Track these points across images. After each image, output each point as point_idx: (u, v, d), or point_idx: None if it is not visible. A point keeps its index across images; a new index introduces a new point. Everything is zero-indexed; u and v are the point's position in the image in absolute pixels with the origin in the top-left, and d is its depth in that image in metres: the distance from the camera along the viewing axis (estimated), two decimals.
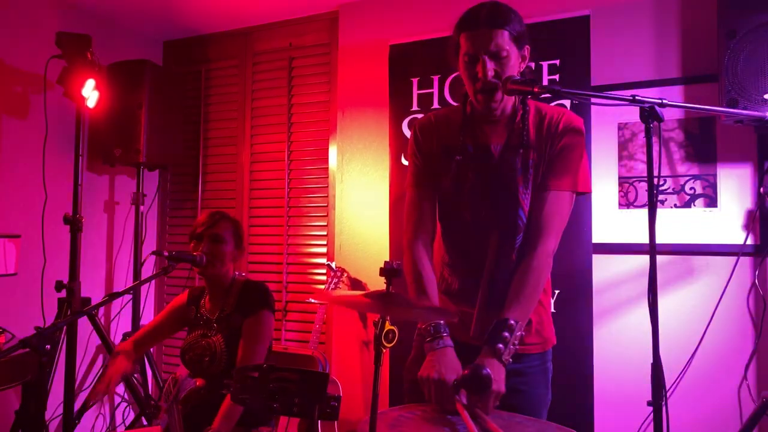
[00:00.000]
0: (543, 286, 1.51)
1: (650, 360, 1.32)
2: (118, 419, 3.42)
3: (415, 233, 1.61)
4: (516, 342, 1.39)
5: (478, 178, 1.54)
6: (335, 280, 2.91)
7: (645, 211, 2.47)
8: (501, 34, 1.42)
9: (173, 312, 2.22)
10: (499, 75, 1.43)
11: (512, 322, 1.39)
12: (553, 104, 2.48)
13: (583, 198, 2.12)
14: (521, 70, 1.50)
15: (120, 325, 3.42)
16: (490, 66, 1.43)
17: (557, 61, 2.53)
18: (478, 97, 1.48)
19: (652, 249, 1.34)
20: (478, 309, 1.54)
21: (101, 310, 3.36)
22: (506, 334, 1.38)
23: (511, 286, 1.48)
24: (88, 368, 3.29)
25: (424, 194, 1.63)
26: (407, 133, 2.88)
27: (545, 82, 2.53)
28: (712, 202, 2.39)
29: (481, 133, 1.56)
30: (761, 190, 2.30)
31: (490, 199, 1.54)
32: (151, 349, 3.31)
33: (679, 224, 2.43)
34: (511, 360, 1.38)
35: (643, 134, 2.46)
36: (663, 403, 1.31)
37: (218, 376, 2.04)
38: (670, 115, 2.45)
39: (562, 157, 1.51)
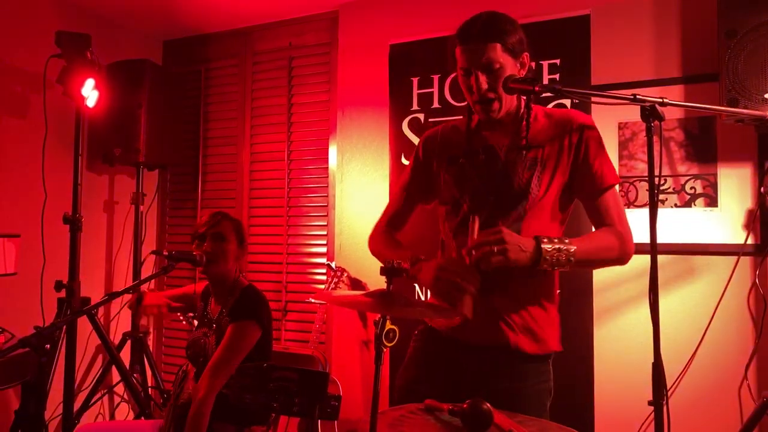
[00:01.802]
0: (615, 251, 1.48)
1: (651, 359, 1.32)
2: (119, 419, 3.42)
3: (388, 222, 1.78)
4: (562, 249, 1.37)
5: (483, 179, 1.56)
6: (335, 279, 2.91)
7: (645, 211, 2.47)
8: (493, 47, 1.45)
9: (187, 296, 2.34)
10: (493, 87, 1.48)
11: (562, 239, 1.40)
12: (553, 103, 2.49)
13: None
14: (522, 76, 1.51)
15: (119, 325, 3.41)
16: (483, 79, 1.47)
17: (557, 61, 2.53)
18: (476, 108, 1.54)
19: (653, 248, 1.34)
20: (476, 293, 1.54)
21: (101, 309, 3.36)
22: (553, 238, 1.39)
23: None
24: (87, 368, 3.28)
25: (408, 200, 1.76)
26: (407, 132, 2.88)
27: (545, 82, 2.53)
28: (712, 201, 2.39)
29: (489, 136, 1.59)
30: (762, 189, 2.30)
31: (495, 197, 1.53)
32: (151, 349, 3.31)
33: (679, 224, 2.43)
34: (549, 251, 1.35)
35: (643, 134, 2.45)
36: (664, 402, 1.31)
37: None
38: (671, 115, 2.44)
39: (592, 158, 1.51)
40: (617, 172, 1.59)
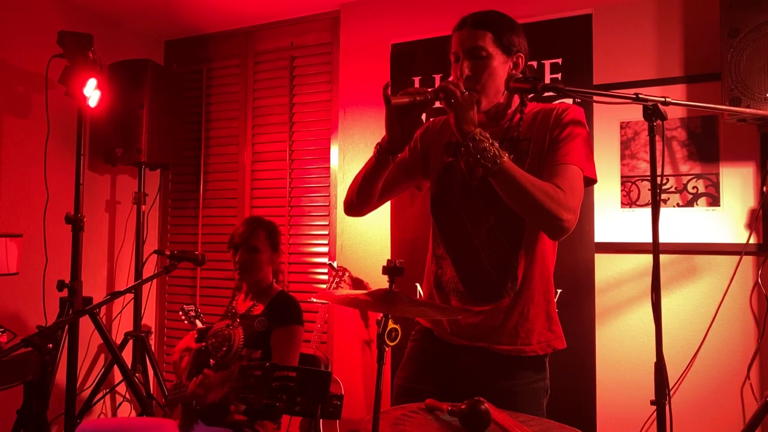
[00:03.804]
0: (548, 200, 1.36)
1: (653, 359, 1.32)
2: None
3: None
4: (494, 147, 1.34)
5: (467, 174, 1.56)
6: (337, 279, 2.91)
7: (647, 210, 2.47)
8: (483, 35, 1.46)
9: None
10: (476, 76, 1.46)
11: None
12: (554, 103, 2.48)
13: (585, 196, 2.11)
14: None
15: (121, 325, 3.42)
16: (466, 65, 1.47)
17: (559, 60, 2.52)
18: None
19: (655, 248, 1.34)
20: (463, 291, 1.55)
21: (103, 309, 3.36)
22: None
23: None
24: (89, 367, 3.29)
25: (396, 169, 1.68)
26: None
27: (547, 81, 2.53)
28: (714, 201, 2.39)
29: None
30: (764, 188, 2.29)
31: (481, 192, 1.53)
32: (153, 349, 3.31)
33: (681, 223, 2.42)
34: (479, 138, 1.34)
35: (645, 133, 2.43)
36: (666, 402, 1.31)
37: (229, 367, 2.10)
38: (673, 114, 2.44)
39: (567, 141, 1.46)
40: (594, 169, 1.53)
